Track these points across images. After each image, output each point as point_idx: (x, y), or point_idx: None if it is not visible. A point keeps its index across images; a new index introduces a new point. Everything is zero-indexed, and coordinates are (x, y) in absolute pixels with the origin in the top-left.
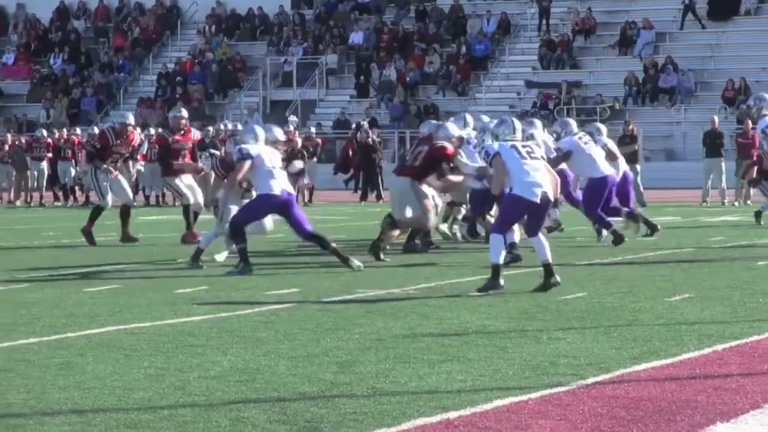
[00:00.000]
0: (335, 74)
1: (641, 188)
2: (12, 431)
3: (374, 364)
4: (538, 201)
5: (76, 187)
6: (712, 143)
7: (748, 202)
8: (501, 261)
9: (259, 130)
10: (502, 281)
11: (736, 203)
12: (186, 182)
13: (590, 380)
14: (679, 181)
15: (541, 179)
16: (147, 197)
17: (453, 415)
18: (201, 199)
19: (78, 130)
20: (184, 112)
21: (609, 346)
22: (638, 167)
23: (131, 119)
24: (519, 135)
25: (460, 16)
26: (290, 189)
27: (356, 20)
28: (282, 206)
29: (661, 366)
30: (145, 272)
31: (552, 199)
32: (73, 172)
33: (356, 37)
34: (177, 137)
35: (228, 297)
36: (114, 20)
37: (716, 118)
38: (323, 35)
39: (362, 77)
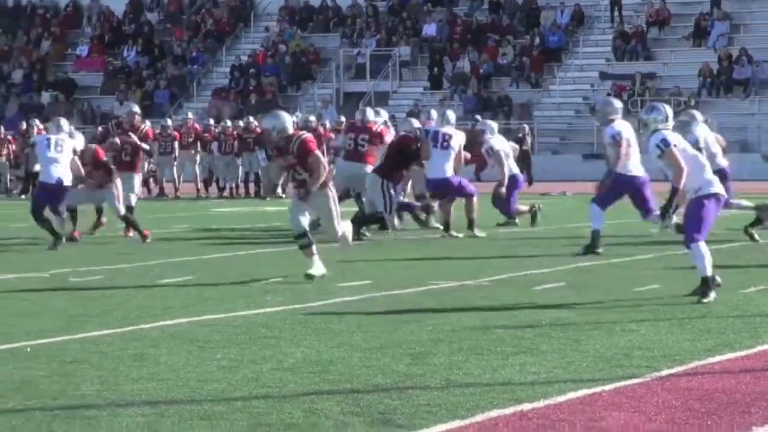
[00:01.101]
0: (408, 66)
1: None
2: (86, 422)
3: (447, 355)
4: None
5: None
6: None
7: None
8: (709, 272)
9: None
10: (713, 294)
11: None
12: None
13: (664, 372)
14: (755, 173)
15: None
16: (221, 189)
17: (527, 407)
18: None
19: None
20: (136, 108)
21: (683, 338)
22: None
23: (136, 108)
24: (671, 123)
25: (534, 7)
26: None
27: (429, 12)
28: None
29: (736, 358)
30: (217, 265)
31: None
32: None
33: (429, 29)
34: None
35: (301, 289)
36: (187, 12)
37: None
38: (396, 27)
39: (435, 69)
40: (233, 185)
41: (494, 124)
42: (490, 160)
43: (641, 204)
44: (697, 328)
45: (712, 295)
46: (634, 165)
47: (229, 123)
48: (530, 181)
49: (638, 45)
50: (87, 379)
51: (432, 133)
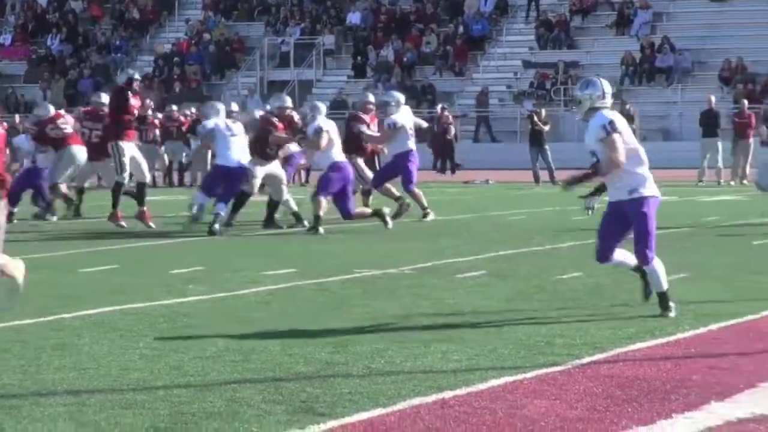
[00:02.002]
0: (332, 55)
1: None
2: (7, 412)
3: (370, 344)
4: None
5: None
6: (709, 123)
7: (744, 181)
8: (666, 285)
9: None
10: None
11: (732, 183)
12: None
13: (585, 360)
14: (676, 161)
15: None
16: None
17: (448, 394)
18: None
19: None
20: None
21: (604, 326)
22: None
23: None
24: (609, 101)
25: None
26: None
27: (353, 1)
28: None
29: (657, 345)
30: (140, 253)
31: None
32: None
33: (353, 18)
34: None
35: (224, 277)
36: (111, 0)
37: (713, 98)
38: (320, 16)
39: (359, 57)
40: (157, 174)
41: (401, 97)
42: (391, 133)
43: None
44: (618, 316)
45: (673, 307)
46: None
47: (150, 112)
48: (453, 170)
49: (561, 33)
50: (8, 368)
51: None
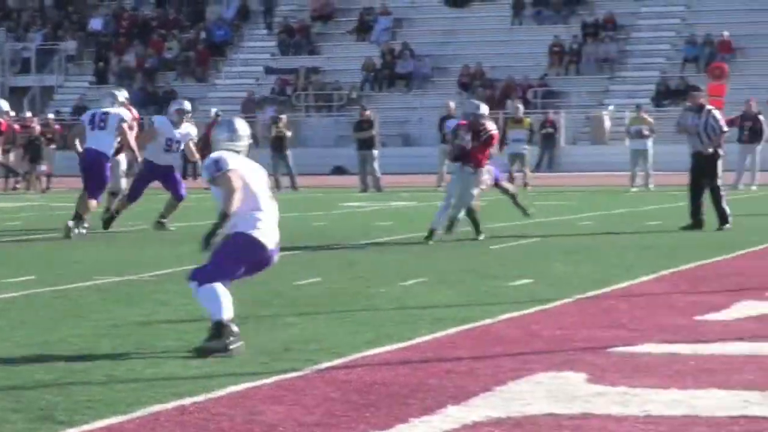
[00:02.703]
0: (74, 60)
1: (378, 173)
2: None
3: (110, 351)
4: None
5: None
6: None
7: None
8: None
9: None
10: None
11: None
12: None
13: (324, 365)
14: (415, 166)
15: None
16: None
17: (188, 401)
18: None
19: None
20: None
21: (343, 331)
22: (375, 152)
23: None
24: (244, 142)
25: (199, 2)
26: None
27: (96, 6)
28: None
29: (395, 350)
30: None
31: None
32: None
33: (96, 23)
34: None
35: None
36: None
37: (452, 104)
38: (62, 21)
39: (101, 63)
40: None
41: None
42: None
43: None
44: (356, 321)
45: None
46: None
47: None
48: (195, 175)
49: (303, 39)
50: None
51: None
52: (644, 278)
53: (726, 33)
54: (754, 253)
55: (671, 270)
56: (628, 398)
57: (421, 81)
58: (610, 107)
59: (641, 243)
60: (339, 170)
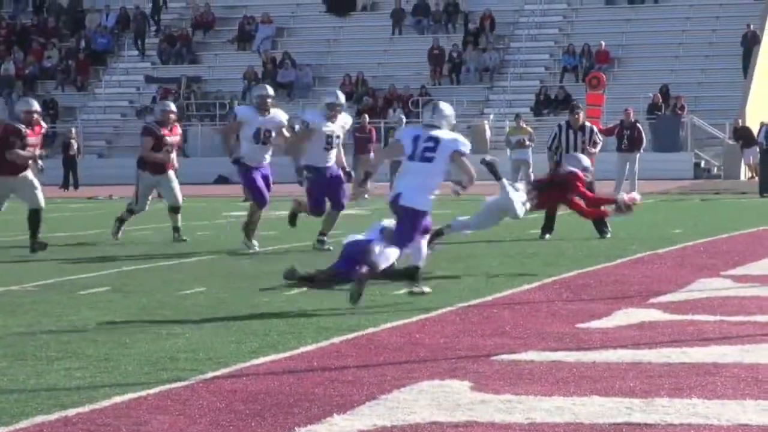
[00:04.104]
0: None
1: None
2: None
3: None
4: None
5: None
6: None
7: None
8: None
9: None
10: None
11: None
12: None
13: (209, 375)
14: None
15: None
16: None
17: (71, 412)
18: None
19: None
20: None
21: (228, 341)
22: None
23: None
24: None
25: (79, 10)
26: None
27: None
28: None
29: (280, 359)
30: None
31: None
32: None
33: None
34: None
35: None
36: None
37: None
38: None
39: None
40: None
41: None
42: None
43: None
44: (241, 330)
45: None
46: None
47: None
48: (76, 185)
49: (183, 48)
50: None
51: None
52: (527, 286)
53: (603, 43)
54: (635, 261)
55: (553, 278)
56: (512, 406)
57: (303, 90)
58: (491, 116)
59: (524, 251)
60: (222, 179)
